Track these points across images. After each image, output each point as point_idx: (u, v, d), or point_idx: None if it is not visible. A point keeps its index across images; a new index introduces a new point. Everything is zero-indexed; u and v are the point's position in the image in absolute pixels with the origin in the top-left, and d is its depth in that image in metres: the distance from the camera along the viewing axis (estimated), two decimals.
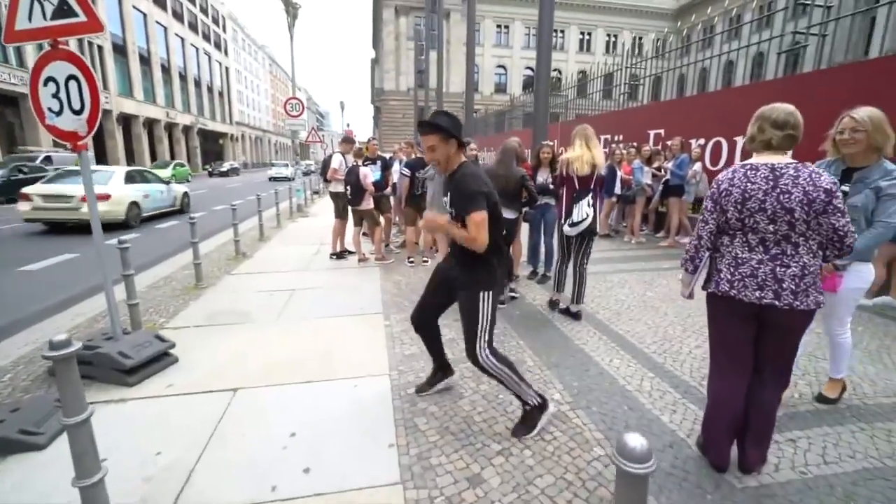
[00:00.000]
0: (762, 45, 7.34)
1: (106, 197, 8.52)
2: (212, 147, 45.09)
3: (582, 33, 43.51)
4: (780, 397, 2.00)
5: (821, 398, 2.66)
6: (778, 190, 1.76)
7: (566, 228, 3.82)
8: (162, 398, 2.69)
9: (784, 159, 1.81)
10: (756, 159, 1.88)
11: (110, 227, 8.30)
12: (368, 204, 5.82)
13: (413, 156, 5.73)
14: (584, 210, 3.70)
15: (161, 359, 3.02)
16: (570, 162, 3.75)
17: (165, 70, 34.87)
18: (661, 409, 2.59)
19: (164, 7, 34.51)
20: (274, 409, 2.56)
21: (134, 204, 9.43)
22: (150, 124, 32.93)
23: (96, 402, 2.61)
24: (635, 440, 0.96)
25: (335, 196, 6.25)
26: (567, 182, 3.84)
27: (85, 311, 4.29)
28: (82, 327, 3.88)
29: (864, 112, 2.20)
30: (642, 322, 3.92)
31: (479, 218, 2.09)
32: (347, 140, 6.24)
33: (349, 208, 5.96)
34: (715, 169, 7.33)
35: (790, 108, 1.85)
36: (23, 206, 8.51)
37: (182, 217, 10.83)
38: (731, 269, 1.89)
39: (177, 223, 10.40)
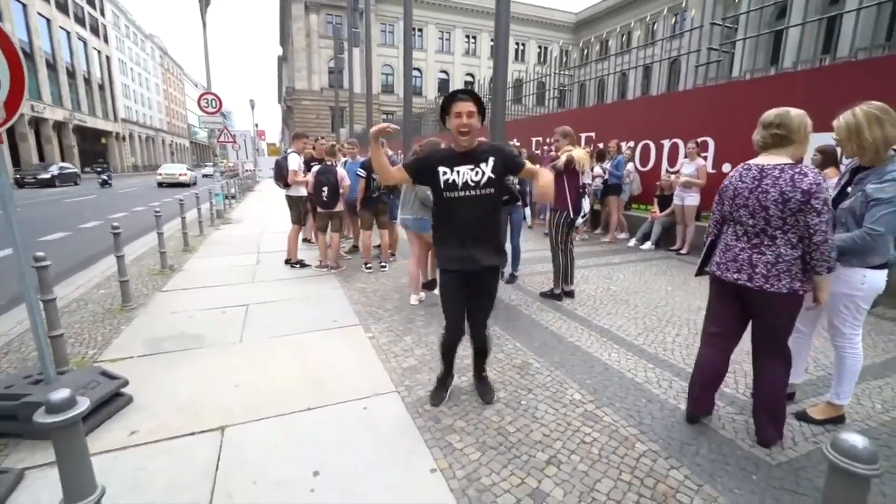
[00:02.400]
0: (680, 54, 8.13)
1: (185, 174, 24.32)
2: (92, 146, 39.22)
3: (493, 40, 45.15)
4: (783, 380, 2.16)
5: (802, 416, 2.40)
6: (759, 189, 1.93)
7: (579, 220, 4.30)
8: (129, 450, 2.16)
9: (778, 160, 1.95)
10: (756, 160, 2.04)
11: (185, 185, 23.12)
12: (341, 206, 5.42)
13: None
14: (587, 202, 4.43)
15: (112, 400, 2.45)
16: (578, 161, 4.11)
17: (28, 56, 29.54)
18: (675, 398, 2.67)
19: None
20: (280, 447, 2.18)
21: (193, 177, 25.16)
22: None
23: (32, 466, 2.04)
24: (859, 440, 0.91)
25: (294, 201, 5.66)
26: (575, 178, 4.22)
27: None
28: None
29: (841, 119, 2.06)
30: (620, 315, 4.07)
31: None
32: (301, 136, 5.68)
33: (314, 213, 5.50)
34: (644, 169, 7.97)
35: (782, 109, 1.99)
36: (158, 177, 24.22)
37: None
38: (721, 254, 2.14)
39: (68, 234, 8.85)
